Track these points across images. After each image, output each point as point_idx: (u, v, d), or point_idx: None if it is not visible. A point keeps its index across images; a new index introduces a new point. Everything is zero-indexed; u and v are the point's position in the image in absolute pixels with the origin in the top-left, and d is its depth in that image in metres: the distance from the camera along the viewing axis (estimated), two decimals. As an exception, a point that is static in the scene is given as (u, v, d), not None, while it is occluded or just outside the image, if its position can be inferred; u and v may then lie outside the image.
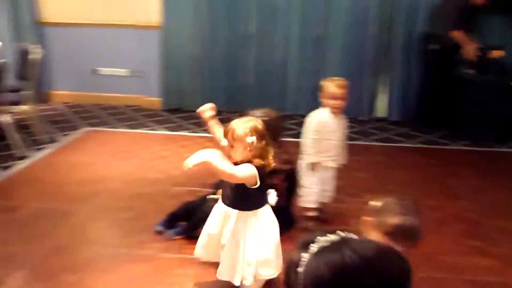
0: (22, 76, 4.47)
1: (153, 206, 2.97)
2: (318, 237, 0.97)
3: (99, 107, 5.49)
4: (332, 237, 0.97)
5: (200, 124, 4.88)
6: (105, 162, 3.73)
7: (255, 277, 1.97)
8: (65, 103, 5.70)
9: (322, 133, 2.65)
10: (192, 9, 5.16)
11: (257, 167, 1.91)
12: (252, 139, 1.90)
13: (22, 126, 4.44)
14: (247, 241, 1.96)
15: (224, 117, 5.12)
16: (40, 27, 5.51)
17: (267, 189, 2.06)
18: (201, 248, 2.13)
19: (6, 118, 3.83)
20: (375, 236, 1.49)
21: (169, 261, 2.39)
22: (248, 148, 1.91)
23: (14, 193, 3.14)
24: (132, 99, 5.61)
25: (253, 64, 5.30)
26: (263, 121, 2.55)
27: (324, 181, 2.72)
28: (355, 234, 1.02)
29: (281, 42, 5.20)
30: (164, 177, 3.44)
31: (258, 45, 5.23)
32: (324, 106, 2.67)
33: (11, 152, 3.85)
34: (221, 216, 2.03)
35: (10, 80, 4.21)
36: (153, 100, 5.50)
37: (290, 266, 0.99)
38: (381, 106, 5.34)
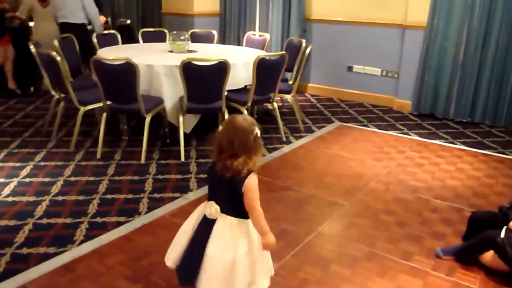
0: (289, 67, 4.89)
1: (415, 216, 2.83)
2: None
3: (348, 103, 5.61)
4: None
5: (456, 135, 4.49)
6: (361, 159, 3.76)
7: None
8: (315, 95, 6.03)
9: None
10: (463, 10, 4.73)
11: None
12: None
13: (283, 113, 4.88)
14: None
15: (479, 130, 4.65)
16: (305, 23, 5.92)
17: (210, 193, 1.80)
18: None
19: (276, 105, 4.22)
20: None
21: (439, 281, 2.21)
22: None
23: (280, 174, 3.43)
24: (382, 99, 5.55)
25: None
26: None
27: None
28: None
29: None
30: (423, 187, 3.25)
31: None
32: None
33: (277, 135, 4.25)
34: None
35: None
36: (404, 102, 5.31)
37: None
38: None
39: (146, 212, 2.81)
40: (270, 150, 3.92)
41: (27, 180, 3.23)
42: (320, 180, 3.33)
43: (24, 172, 3.36)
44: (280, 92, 4.39)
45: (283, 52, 4.04)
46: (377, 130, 4.59)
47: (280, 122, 4.25)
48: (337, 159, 3.75)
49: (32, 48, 3.95)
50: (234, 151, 1.67)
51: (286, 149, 3.97)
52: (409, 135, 4.46)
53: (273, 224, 2.65)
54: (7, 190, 3.06)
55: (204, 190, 3.14)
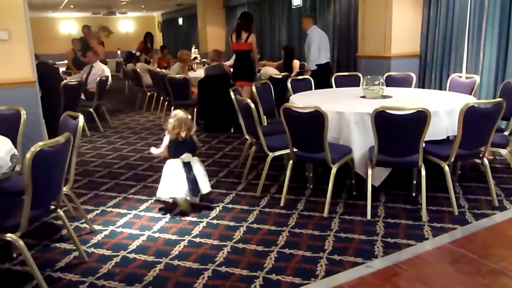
0: (505, 116, 4.07)
1: None
2: None
3: None
4: None
5: None
6: None
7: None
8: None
9: None
10: None
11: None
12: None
13: (495, 170, 4.07)
14: None
15: None
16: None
17: (175, 150, 3.53)
18: None
19: (486, 161, 3.51)
20: None
21: None
22: None
23: (490, 252, 2.74)
24: None
25: None
26: None
27: None
28: None
29: None
30: None
31: None
32: None
33: (486, 198, 3.52)
34: None
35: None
36: None
37: None
38: None
39: (324, 276, 2.54)
40: (476, 217, 3.24)
41: (215, 222, 3.35)
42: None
43: (213, 213, 3.51)
44: (493, 145, 3.65)
45: (500, 99, 3.34)
46: None
47: (491, 182, 3.50)
48: None
49: (232, 94, 4.21)
50: None
51: (499, 217, 3.22)
52: None
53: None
54: (196, 230, 3.21)
55: (392, 258, 2.71)
